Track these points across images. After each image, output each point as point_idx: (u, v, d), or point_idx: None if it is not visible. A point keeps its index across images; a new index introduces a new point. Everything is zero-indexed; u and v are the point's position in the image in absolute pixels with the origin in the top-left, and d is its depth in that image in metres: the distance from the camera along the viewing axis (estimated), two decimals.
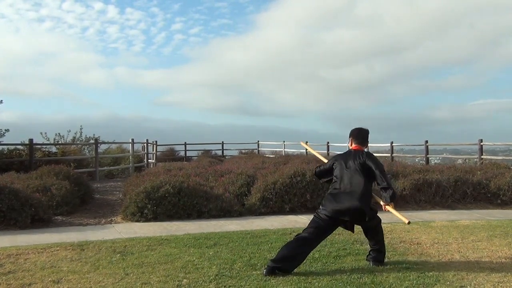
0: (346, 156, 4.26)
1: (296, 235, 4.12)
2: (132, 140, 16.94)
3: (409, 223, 3.90)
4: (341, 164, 4.22)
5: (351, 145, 4.36)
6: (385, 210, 4.04)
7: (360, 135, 4.36)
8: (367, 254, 4.31)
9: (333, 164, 4.33)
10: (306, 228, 4.10)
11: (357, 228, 5.71)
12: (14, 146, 12.91)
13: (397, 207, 7.89)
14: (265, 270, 3.83)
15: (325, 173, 4.42)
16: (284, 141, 25.79)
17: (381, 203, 4.04)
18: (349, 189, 4.04)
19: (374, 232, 4.19)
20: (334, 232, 5.43)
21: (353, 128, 4.40)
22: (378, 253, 4.19)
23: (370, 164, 4.05)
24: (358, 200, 3.95)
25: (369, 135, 4.42)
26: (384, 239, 4.34)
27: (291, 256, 3.88)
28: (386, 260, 4.23)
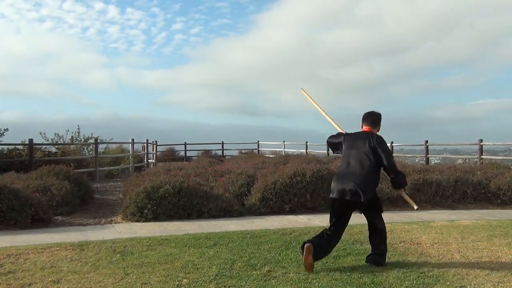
0: (356, 136, 4.28)
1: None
2: (132, 140, 16.95)
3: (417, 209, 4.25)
4: (349, 143, 4.25)
5: (362, 128, 4.38)
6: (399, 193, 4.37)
7: (370, 117, 4.35)
8: (368, 255, 4.30)
9: (343, 140, 4.33)
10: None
11: (357, 228, 5.72)
12: (14, 146, 12.90)
13: (398, 207, 7.93)
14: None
15: (334, 145, 4.49)
16: (284, 141, 25.79)
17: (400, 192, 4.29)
18: (352, 170, 4.08)
19: (379, 235, 4.20)
20: None
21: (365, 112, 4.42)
22: (379, 255, 4.17)
23: (380, 153, 4.07)
24: (359, 181, 3.98)
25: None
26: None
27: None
28: (386, 260, 4.22)
